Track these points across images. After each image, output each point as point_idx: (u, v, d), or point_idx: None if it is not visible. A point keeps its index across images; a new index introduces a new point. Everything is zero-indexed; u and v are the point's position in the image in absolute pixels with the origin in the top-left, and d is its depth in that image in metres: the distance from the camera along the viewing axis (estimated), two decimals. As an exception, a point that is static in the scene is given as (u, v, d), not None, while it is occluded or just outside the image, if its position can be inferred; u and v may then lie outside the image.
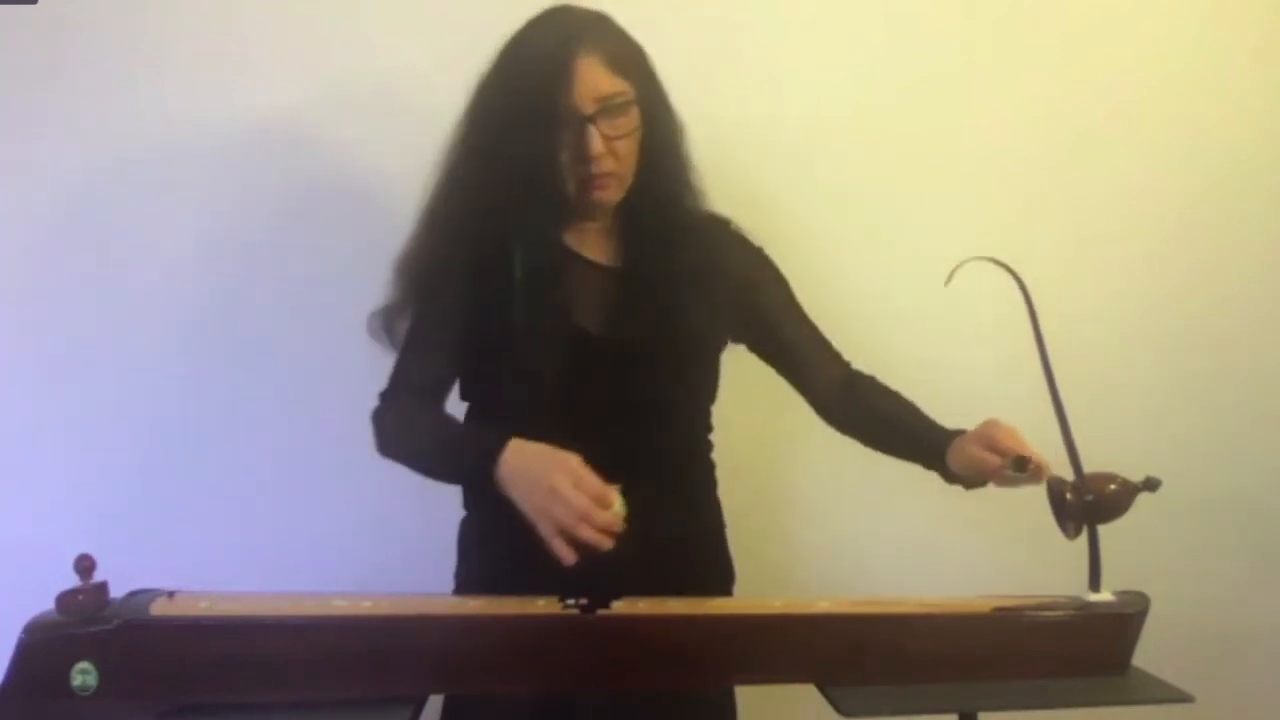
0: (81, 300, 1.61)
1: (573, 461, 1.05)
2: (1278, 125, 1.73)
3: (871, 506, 1.72)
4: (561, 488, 1.03)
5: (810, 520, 1.73)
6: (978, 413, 1.20)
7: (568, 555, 1.03)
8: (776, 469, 1.72)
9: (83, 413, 1.62)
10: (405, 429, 1.21)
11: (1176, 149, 1.71)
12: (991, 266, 1.18)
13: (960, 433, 1.21)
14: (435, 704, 1.08)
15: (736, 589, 1.33)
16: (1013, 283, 1.16)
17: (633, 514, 1.05)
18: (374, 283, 1.24)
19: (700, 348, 1.26)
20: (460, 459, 1.15)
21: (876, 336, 1.60)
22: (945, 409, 1.26)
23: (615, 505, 1.04)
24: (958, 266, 1.20)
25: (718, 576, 1.31)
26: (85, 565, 1.00)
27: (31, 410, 1.61)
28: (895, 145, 1.67)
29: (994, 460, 1.13)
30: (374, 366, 1.31)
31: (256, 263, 1.63)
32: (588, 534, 1.02)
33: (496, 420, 1.23)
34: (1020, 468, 1.11)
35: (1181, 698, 1.03)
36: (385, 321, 1.26)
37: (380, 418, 1.23)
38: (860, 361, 1.36)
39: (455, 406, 1.27)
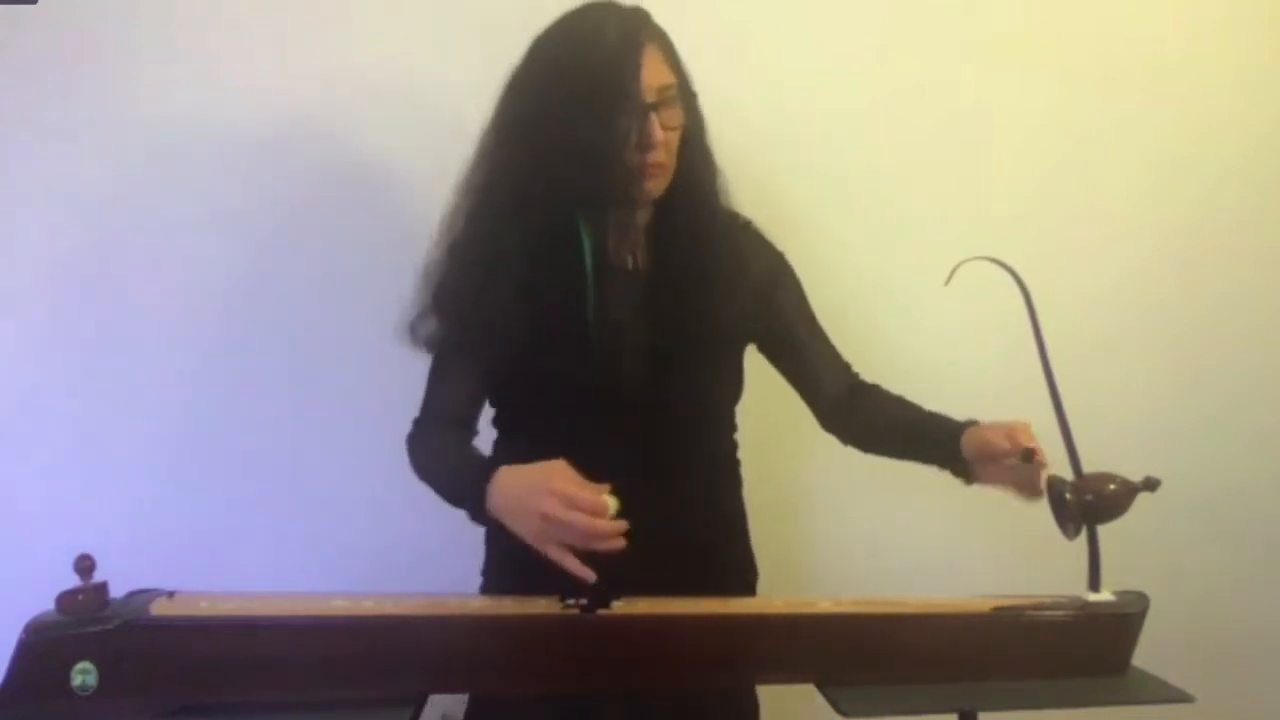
0: (82, 300, 1.60)
1: (556, 482, 1.01)
2: (1278, 124, 1.73)
3: (879, 507, 1.72)
4: (555, 513, 1.00)
5: (825, 520, 1.73)
6: (978, 413, 1.20)
7: (586, 573, 1.01)
8: (791, 469, 1.71)
9: (84, 413, 1.62)
10: (424, 458, 1.21)
11: (1178, 149, 1.71)
12: (991, 266, 1.18)
13: (973, 422, 1.19)
14: (436, 703, 1.08)
15: (759, 587, 1.33)
16: (1012, 282, 1.16)
17: (662, 514, 1.03)
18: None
19: (729, 349, 1.26)
20: (459, 493, 1.13)
21: (877, 335, 1.61)
22: (945, 409, 1.25)
23: (611, 507, 1.01)
24: (957, 266, 1.21)
25: (742, 575, 1.32)
26: (85, 565, 1.00)
27: (32, 410, 1.61)
28: (896, 146, 1.67)
29: (1004, 445, 1.11)
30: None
31: (260, 262, 1.62)
32: (602, 547, 1.00)
33: (527, 427, 1.23)
34: (1027, 458, 1.09)
35: (1181, 698, 1.03)
36: (413, 329, 1.23)
37: (409, 444, 1.23)
38: (861, 360, 1.36)
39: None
